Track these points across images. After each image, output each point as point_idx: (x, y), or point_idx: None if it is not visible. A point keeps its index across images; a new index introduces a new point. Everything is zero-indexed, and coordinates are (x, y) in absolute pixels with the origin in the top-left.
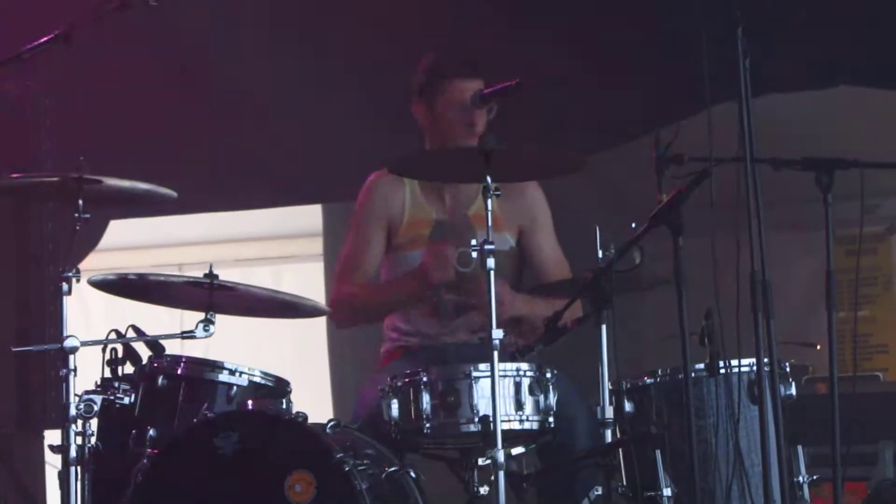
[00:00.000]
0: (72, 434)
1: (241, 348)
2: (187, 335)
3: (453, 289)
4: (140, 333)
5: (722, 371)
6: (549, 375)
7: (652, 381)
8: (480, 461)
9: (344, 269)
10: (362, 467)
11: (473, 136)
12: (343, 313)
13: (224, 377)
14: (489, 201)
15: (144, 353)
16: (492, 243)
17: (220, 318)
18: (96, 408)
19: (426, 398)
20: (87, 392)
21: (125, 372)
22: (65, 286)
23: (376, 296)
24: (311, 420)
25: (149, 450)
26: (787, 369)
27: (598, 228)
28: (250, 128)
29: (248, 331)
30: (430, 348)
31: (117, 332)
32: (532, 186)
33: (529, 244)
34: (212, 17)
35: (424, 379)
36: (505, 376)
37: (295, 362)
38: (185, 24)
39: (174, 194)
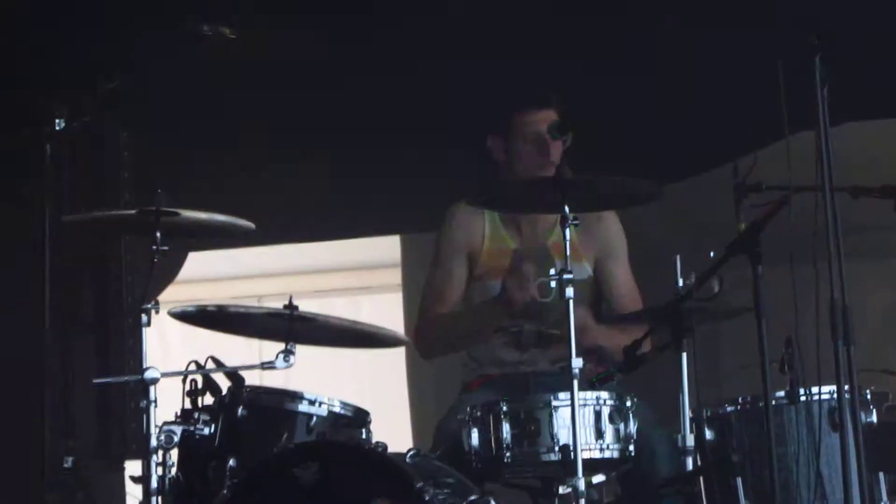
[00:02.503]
0: (152, 465)
1: (320, 379)
2: (267, 366)
3: (533, 318)
4: (220, 364)
5: (802, 398)
6: (629, 404)
7: (732, 408)
8: (561, 490)
9: (428, 301)
10: (442, 497)
11: (549, 166)
12: (427, 342)
13: (304, 407)
14: (567, 231)
15: (224, 384)
16: (570, 272)
17: (299, 349)
18: (176, 438)
19: (506, 427)
20: (168, 423)
21: (205, 403)
22: (144, 318)
23: (458, 322)
24: (390, 450)
25: (229, 480)
26: (868, 396)
27: (678, 258)
28: (328, 158)
29: (327, 361)
30: (510, 377)
31: (197, 363)
32: (609, 215)
33: (603, 272)
34: (287, 47)
35: (504, 408)
36: (585, 405)
37: (374, 392)
38: (260, 52)
39: (252, 226)
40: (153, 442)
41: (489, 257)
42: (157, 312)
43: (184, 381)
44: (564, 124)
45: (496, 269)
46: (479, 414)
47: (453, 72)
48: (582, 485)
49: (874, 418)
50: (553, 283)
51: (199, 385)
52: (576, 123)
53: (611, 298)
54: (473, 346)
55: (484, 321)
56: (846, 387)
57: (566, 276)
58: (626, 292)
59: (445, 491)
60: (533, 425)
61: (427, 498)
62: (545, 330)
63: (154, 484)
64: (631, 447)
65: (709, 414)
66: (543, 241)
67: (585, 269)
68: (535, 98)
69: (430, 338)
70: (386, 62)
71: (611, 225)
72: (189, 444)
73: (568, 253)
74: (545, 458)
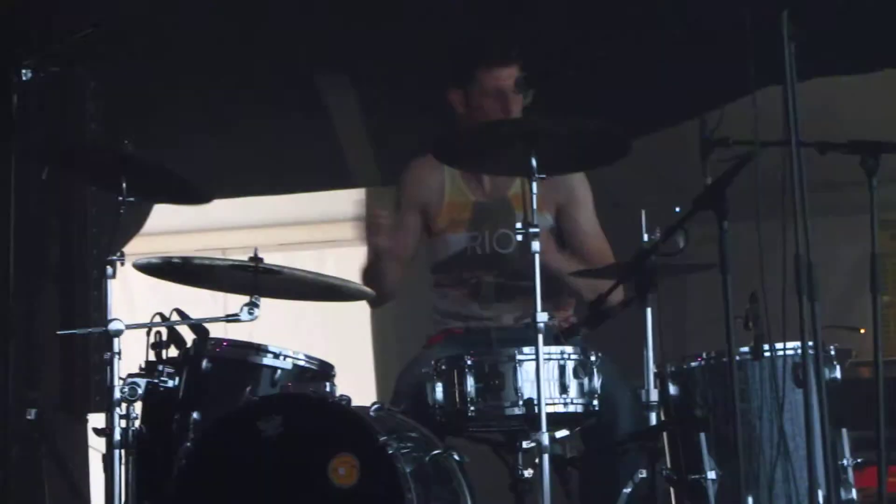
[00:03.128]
0: (116, 418)
1: (284, 332)
2: (232, 318)
3: (493, 270)
4: (184, 317)
5: (766, 354)
6: (593, 358)
7: (697, 364)
8: (525, 444)
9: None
10: (406, 450)
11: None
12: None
13: (268, 360)
14: (534, 184)
15: (189, 336)
16: (536, 226)
17: (263, 302)
18: (140, 391)
19: (471, 381)
20: (132, 375)
21: (169, 355)
22: (109, 270)
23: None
24: (354, 403)
25: (192, 433)
26: (832, 353)
27: (643, 212)
28: (295, 111)
29: (292, 314)
30: (474, 331)
31: (161, 315)
32: None
33: (567, 220)
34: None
35: (469, 362)
36: (549, 359)
37: (338, 346)
38: (231, 7)
39: (212, 195)
40: (117, 394)
41: (449, 211)
42: (122, 264)
43: (148, 333)
44: (530, 79)
45: (456, 223)
46: (443, 367)
47: (418, 24)
48: (545, 439)
49: (838, 374)
50: (519, 237)
51: (164, 337)
52: (539, 79)
53: (577, 246)
54: (434, 299)
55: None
56: (810, 343)
57: (532, 230)
58: (592, 239)
59: (409, 445)
60: (497, 379)
61: (390, 451)
62: (505, 282)
63: (118, 436)
64: (595, 402)
65: (673, 369)
66: (504, 193)
67: (546, 220)
68: (499, 52)
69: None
70: (350, 15)
71: (573, 174)
72: (153, 397)
73: (535, 207)
74: (509, 412)
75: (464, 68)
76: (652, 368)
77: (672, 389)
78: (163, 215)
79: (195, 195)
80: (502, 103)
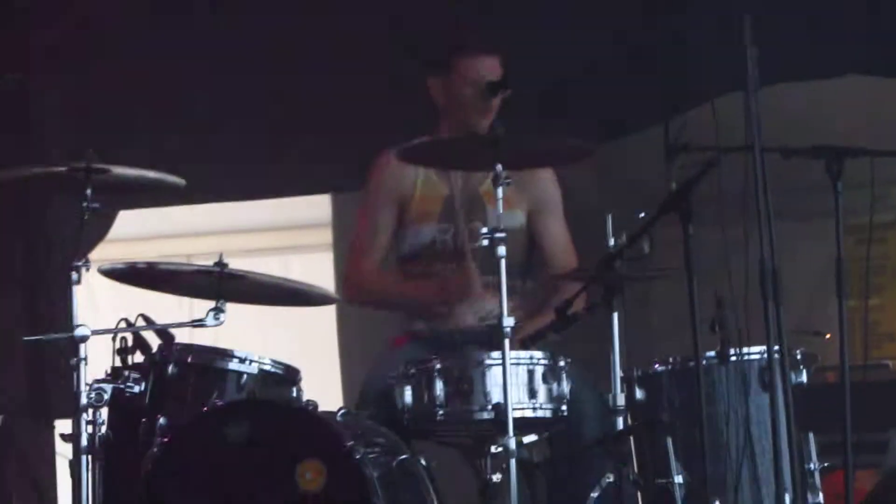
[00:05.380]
0: (82, 423)
1: (250, 337)
2: (197, 324)
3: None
4: (150, 322)
5: (733, 358)
6: (562, 363)
7: (663, 368)
8: (493, 449)
9: (357, 249)
10: (373, 455)
11: (489, 114)
12: (354, 291)
13: (234, 365)
14: (500, 189)
15: (154, 341)
16: (503, 232)
17: (229, 307)
18: (107, 397)
19: (439, 385)
20: (98, 381)
21: (135, 361)
22: (74, 276)
23: (392, 291)
24: (321, 408)
25: (159, 438)
26: (799, 357)
27: (609, 217)
28: (259, 116)
29: (257, 319)
30: (440, 334)
31: (127, 321)
32: (544, 168)
33: (537, 225)
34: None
35: (438, 366)
36: (518, 364)
37: (304, 350)
38: (201, 13)
39: (182, 182)
40: (83, 400)
41: (421, 203)
42: (87, 270)
43: (114, 338)
44: (498, 84)
45: (427, 215)
46: (412, 372)
47: (387, 20)
48: (513, 444)
49: (804, 378)
50: (485, 241)
51: (129, 343)
52: (508, 83)
53: (545, 254)
54: (397, 312)
55: (419, 298)
56: (776, 347)
57: (498, 235)
58: (560, 246)
59: (376, 450)
60: (466, 383)
61: (357, 457)
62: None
63: (84, 442)
64: (563, 407)
65: (639, 374)
66: (476, 187)
67: (518, 217)
68: (479, 41)
69: (356, 288)
70: (315, 12)
71: (545, 178)
72: (119, 403)
73: (500, 211)
74: (478, 416)
75: (445, 56)
76: (618, 373)
77: (639, 394)
78: (127, 221)
79: (166, 190)
80: (483, 94)
